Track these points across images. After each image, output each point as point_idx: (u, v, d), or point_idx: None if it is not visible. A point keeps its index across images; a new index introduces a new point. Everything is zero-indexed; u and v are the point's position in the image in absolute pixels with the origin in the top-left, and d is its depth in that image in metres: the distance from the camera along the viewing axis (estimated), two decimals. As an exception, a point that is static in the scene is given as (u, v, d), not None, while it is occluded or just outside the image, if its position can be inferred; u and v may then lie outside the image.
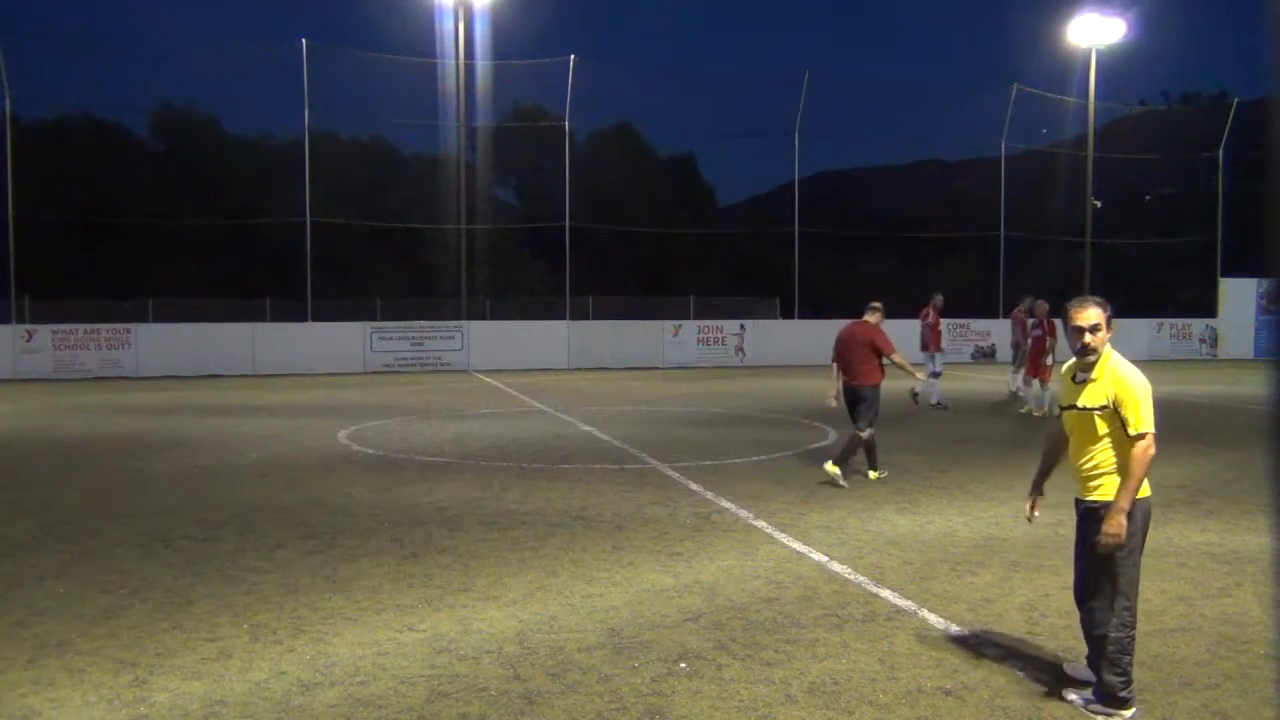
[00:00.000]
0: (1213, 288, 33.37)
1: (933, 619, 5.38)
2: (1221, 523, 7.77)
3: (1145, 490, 4.14)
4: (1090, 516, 4.18)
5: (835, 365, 9.76)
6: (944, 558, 6.68)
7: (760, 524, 7.67)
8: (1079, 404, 4.15)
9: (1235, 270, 33.22)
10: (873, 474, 9.55)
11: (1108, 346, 4.16)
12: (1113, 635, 4.05)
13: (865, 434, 9.35)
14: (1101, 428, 4.09)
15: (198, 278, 35.00)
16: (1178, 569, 6.40)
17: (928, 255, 41.08)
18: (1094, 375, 4.12)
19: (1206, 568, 6.44)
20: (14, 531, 7.57)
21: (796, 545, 7.01)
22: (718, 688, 4.43)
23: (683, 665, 4.70)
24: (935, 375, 16.57)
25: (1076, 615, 5.41)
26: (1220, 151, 34.90)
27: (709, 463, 10.68)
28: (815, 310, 32.65)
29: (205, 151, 37.18)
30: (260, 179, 34.84)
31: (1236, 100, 35.30)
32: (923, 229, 38.89)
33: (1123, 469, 4.07)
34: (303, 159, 28.23)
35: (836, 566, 6.44)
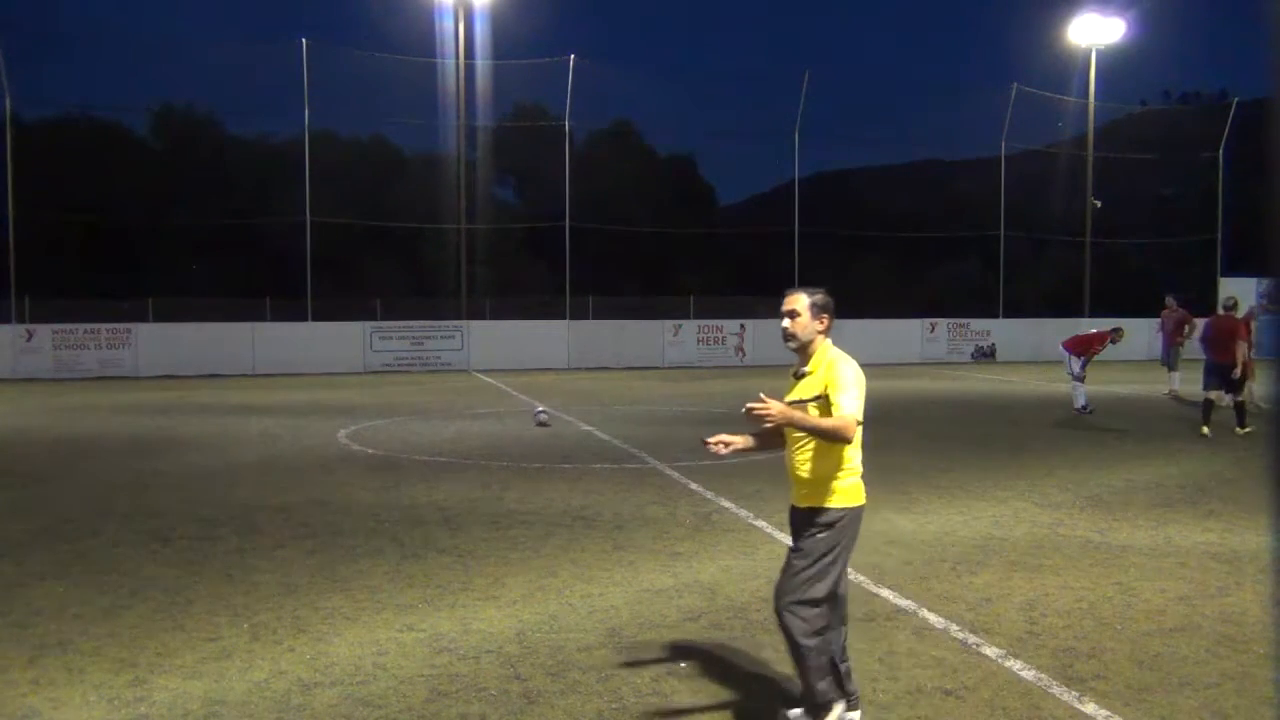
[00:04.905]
0: (1213, 288, 33.35)
1: (933, 619, 5.38)
2: (1221, 523, 7.76)
3: (858, 499, 3.91)
4: (801, 521, 3.96)
5: (1205, 345, 13.37)
6: (944, 558, 6.68)
7: (760, 524, 7.66)
8: (793, 398, 3.95)
9: (1235, 270, 33.22)
10: (1239, 430, 12.78)
11: (826, 341, 3.96)
12: (806, 642, 3.82)
13: (1240, 398, 12.99)
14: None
15: (198, 278, 35.04)
16: (1178, 569, 6.40)
17: (928, 255, 41.12)
18: (810, 369, 3.96)
19: (1206, 568, 6.43)
20: (14, 531, 7.57)
21: (796, 545, 7.00)
22: (718, 688, 4.43)
23: (683, 665, 4.70)
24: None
25: (1076, 615, 5.43)
26: (1220, 151, 34.90)
27: (709, 463, 10.67)
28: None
29: (205, 151, 37.21)
30: (260, 179, 34.86)
31: (1236, 100, 35.30)
32: (923, 229, 38.92)
33: (836, 471, 3.86)
34: (303, 159, 28.25)
35: (836, 566, 6.43)
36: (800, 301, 3.95)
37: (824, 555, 3.85)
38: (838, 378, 3.83)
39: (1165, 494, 8.92)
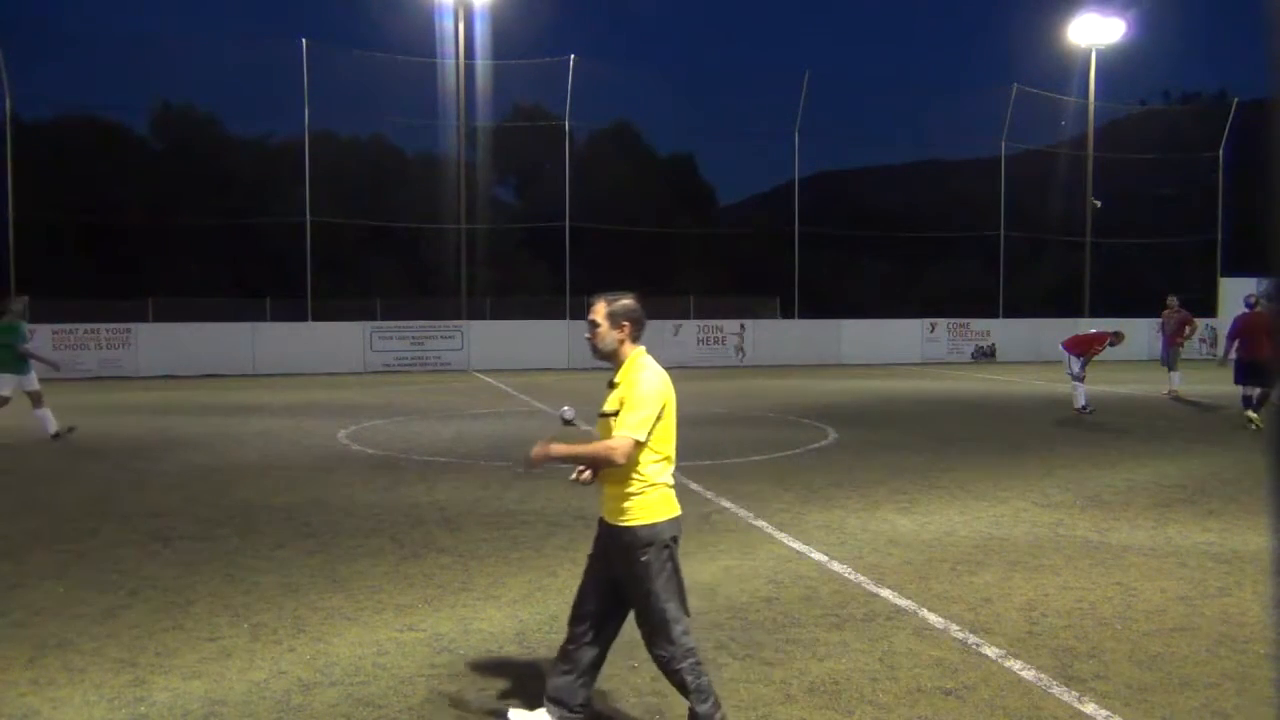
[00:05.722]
0: (1213, 288, 33.35)
1: (933, 619, 5.38)
2: (1221, 523, 7.76)
3: (664, 512, 3.73)
4: (611, 540, 3.80)
5: (1233, 343, 13.81)
6: (944, 558, 6.68)
7: (760, 524, 7.66)
8: (604, 410, 3.82)
9: (1235, 270, 33.22)
10: (1252, 415, 13.24)
11: (636, 350, 3.82)
12: (683, 667, 3.73)
13: (1255, 392, 13.29)
14: None
15: (198, 277, 35.00)
16: (1178, 569, 6.40)
17: (928, 255, 41.12)
18: (618, 379, 3.85)
19: (1206, 568, 6.43)
20: (14, 531, 7.57)
21: (796, 545, 7.01)
22: (717, 688, 4.41)
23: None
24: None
25: (1076, 615, 5.43)
26: (1220, 151, 34.90)
27: (709, 463, 10.67)
28: (815, 310, 32.66)
29: (205, 151, 37.21)
30: (260, 179, 34.87)
31: (1236, 100, 35.31)
32: (923, 229, 38.91)
33: (635, 484, 3.71)
34: (303, 159, 28.26)
35: (836, 566, 6.44)
36: (600, 311, 3.83)
37: (656, 584, 3.70)
38: (632, 394, 3.70)
39: (1165, 494, 8.92)
